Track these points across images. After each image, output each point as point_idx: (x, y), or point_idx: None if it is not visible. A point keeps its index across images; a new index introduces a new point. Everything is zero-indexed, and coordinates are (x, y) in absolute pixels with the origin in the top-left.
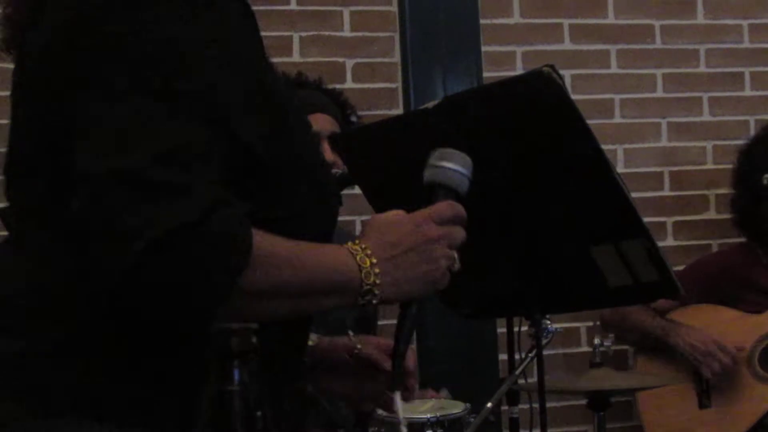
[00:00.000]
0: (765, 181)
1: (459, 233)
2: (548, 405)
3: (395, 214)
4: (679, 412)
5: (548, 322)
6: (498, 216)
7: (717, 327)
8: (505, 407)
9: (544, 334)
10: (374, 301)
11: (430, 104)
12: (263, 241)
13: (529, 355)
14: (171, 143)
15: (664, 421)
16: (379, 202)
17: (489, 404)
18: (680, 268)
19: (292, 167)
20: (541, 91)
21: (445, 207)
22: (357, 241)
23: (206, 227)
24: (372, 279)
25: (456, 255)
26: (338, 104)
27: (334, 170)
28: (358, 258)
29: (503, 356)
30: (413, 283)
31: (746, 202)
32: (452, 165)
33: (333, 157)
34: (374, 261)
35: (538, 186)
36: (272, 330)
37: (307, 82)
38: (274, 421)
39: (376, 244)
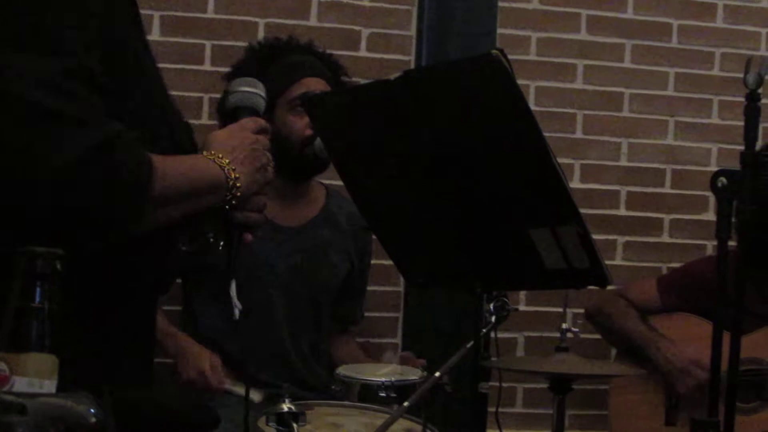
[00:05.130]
0: (719, 184)
1: (265, 140)
2: (515, 385)
3: (226, 130)
4: (646, 425)
5: (506, 300)
6: (446, 190)
7: (697, 342)
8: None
9: (502, 312)
10: (238, 194)
11: (393, 76)
12: (154, 157)
13: (484, 330)
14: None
15: (631, 431)
16: (341, 161)
17: (437, 374)
18: (674, 265)
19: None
20: (488, 73)
21: (251, 121)
22: (204, 153)
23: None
24: (233, 175)
25: (269, 155)
26: (330, 67)
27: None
28: (216, 161)
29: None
30: (254, 174)
31: None
32: (249, 89)
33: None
34: (227, 161)
35: (483, 164)
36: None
37: (299, 45)
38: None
39: (222, 150)
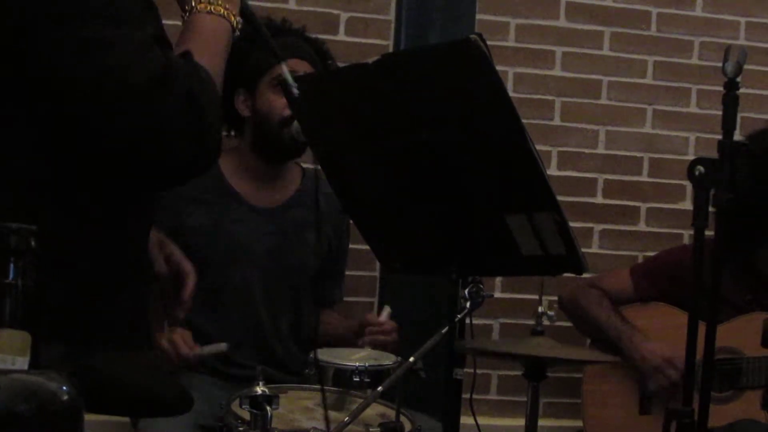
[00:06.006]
0: (697, 172)
1: None
2: (489, 372)
3: None
4: (619, 414)
5: (481, 286)
6: (423, 175)
7: (671, 332)
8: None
9: (477, 298)
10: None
11: (370, 60)
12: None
13: (458, 316)
14: None
15: (604, 420)
16: (318, 144)
17: (411, 359)
18: (650, 254)
19: None
20: (467, 58)
21: None
22: (199, 6)
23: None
24: (233, 19)
25: None
26: (318, 53)
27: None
28: (215, 12)
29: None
30: None
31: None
32: None
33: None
34: (221, 6)
35: (460, 149)
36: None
37: (291, 29)
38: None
39: None
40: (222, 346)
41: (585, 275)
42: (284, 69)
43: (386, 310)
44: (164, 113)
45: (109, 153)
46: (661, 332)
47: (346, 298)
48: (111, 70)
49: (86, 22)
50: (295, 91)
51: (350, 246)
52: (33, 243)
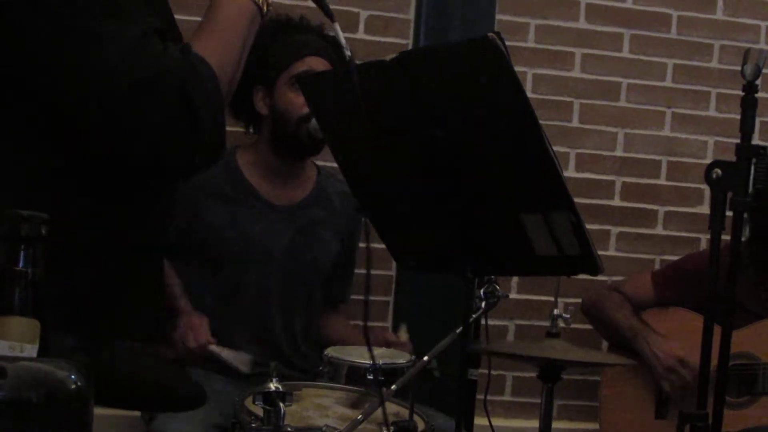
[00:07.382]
0: (714, 175)
1: None
2: (504, 373)
3: None
4: (635, 418)
5: (497, 286)
6: (439, 173)
7: (689, 337)
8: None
9: (492, 298)
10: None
11: (388, 57)
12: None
13: (473, 316)
14: None
15: (620, 423)
16: (335, 142)
17: (425, 358)
18: (667, 258)
19: None
20: (484, 56)
21: None
22: None
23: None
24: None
25: None
26: (337, 51)
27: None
28: None
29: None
30: None
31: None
32: None
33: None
34: None
35: (476, 148)
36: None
37: (309, 26)
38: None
39: None
40: (245, 363)
41: (604, 279)
42: (337, 28)
43: (403, 329)
44: (153, 112)
45: (100, 149)
46: (679, 336)
47: (361, 297)
48: (97, 67)
49: (78, 15)
50: (348, 53)
51: (366, 244)
52: (44, 231)
